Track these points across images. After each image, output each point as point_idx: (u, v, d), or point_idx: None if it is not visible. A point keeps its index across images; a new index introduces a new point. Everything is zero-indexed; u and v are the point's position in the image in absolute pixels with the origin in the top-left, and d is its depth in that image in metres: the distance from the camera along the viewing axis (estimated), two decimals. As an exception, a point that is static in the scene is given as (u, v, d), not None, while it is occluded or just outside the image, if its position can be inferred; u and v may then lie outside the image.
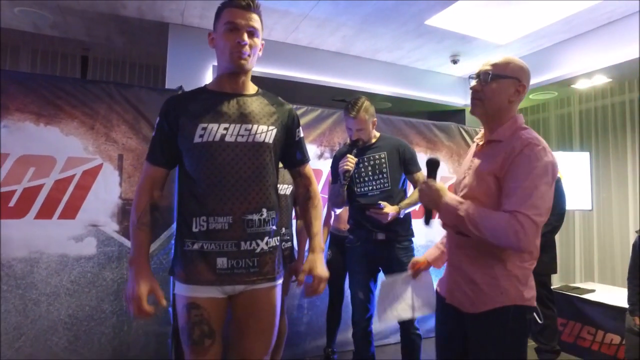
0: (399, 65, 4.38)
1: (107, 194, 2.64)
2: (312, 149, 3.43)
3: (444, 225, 1.42)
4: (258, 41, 1.33)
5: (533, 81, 3.82)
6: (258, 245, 1.32)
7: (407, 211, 2.27)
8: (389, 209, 2.12)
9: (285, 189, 2.64)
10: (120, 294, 2.63)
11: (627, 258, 2.86)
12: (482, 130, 1.47)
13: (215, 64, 3.30)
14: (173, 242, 2.77)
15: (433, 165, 1.39)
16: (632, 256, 2.85)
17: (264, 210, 1.32)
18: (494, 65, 1.35)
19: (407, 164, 2.31)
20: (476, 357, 1.35)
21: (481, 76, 1.35)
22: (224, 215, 1.27)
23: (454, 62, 4.09)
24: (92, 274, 2.58)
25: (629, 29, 3.15)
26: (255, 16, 1.30)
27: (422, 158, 3.79)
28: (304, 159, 1.49)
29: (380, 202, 2.15)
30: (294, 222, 2.80)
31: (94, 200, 2.60)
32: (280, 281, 1.42)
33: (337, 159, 2.35)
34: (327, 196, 3.07)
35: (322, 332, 3.10)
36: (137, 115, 2.75)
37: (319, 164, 3.45)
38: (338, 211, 3.00)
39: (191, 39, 3.51)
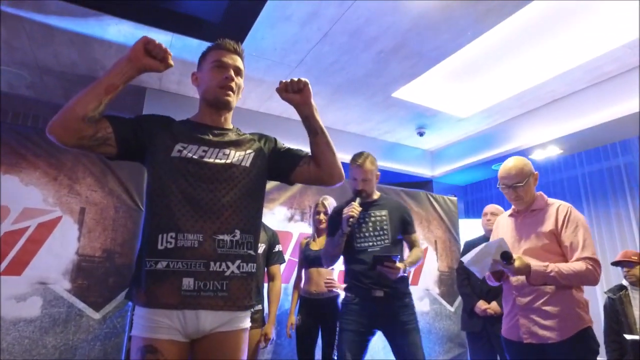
0: (369, 137, 4.60)
1: (62, 248, 2.46)
2: (282, 211, 3.41)
3: (530, 284, 1.75)
4: (241, 81, 1.41)
5: (493, 152, 4.18)
6: (228, 267, 1.23)
7: (410, 269, 2.24)
8: (400, 265, 2.09)
9: (259, 247, 2.54)
10: (61, 364, 2.32)
11: (600, 324, 2.83)
12: (512, 207, 1.98)
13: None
14: (130, 303, 2.58)
15: (509, 255, 1.70)
16: (605, 319, 2.83)
17: (237, 231, 1.26)
18: (515, 177, 1.86)
19: (407, 225, 2.33)
20: None
21: (512, 188, 1.88)
22: (195, 232, 1.21)
23: (420, 134, 4.35)
24: (31, 340, 2.29)
25: (571, 106, 3.56)
26: (240, 59, 1.41)
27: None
28: (301, 152, 1.47)
29: (393, 254, 2.10)
30: (265, 285, 2.66)
31: (46, 255, 2.41)
32: (248, 322, 1.29)
33: (336, 213, 2.30)
34: (297, 259, 2.97)
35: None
36: (104, 168, 2.69)
37: (289, 227, 3.40)
38: (328, 267, 2.84)
39: (167, 103, 3.60)
